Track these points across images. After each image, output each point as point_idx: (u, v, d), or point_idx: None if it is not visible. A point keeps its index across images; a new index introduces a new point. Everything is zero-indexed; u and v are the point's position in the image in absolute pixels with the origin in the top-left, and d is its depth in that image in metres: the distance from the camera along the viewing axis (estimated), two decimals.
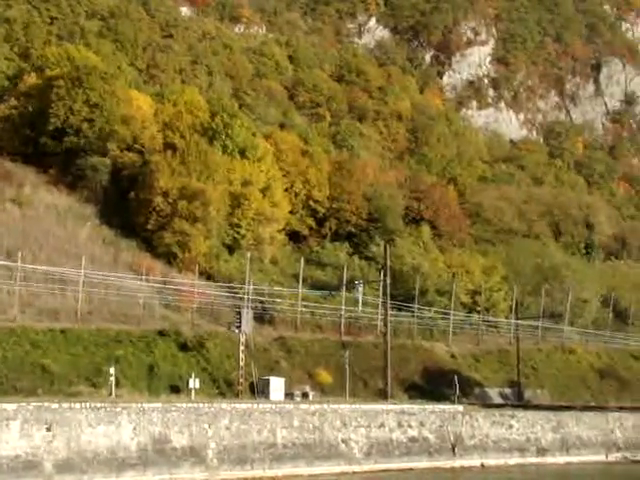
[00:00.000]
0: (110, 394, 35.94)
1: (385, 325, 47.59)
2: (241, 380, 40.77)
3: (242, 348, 40.98)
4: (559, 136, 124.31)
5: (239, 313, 41.79)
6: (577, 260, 78.42)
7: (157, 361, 40.77)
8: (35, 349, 37.70)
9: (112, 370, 36.52)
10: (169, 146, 55.46)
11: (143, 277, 46.24)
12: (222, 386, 41.79)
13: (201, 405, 34.65)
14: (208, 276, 51.37)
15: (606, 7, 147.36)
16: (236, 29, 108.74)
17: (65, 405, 31.04)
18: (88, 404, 31.63)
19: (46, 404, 30.77)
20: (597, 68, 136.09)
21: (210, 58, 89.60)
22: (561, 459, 45.49)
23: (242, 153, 57.73)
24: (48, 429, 29.95)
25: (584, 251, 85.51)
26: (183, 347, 42.54)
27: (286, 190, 61.02)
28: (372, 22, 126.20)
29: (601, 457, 47.33)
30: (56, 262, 43.59)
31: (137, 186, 54.32)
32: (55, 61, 59.95)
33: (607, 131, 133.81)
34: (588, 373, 62.69)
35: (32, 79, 60.07)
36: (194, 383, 38.66)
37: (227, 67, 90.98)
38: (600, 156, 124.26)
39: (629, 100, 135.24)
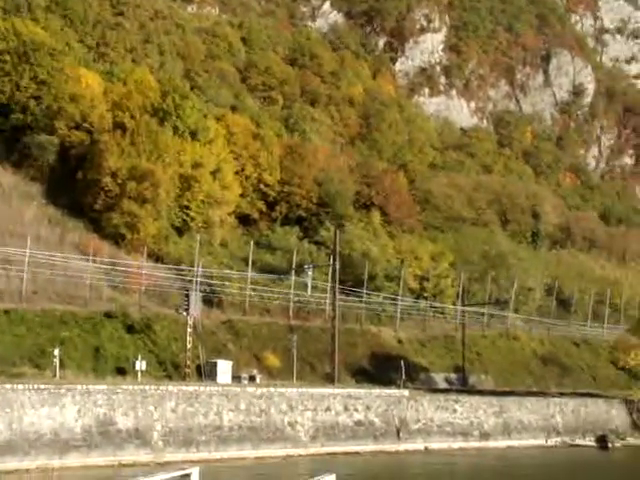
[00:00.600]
0: (54, 376, 35.53)
1: (333, 310, 47.84)
2: (188, 363, 40.64)
3: (190, 331, 40.83)
4: (508, 125, 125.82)
5: (187, 296, 41.62)
6: (523, 248, 79.78)
7: (103, 343, 40.42)
8: None
9: (57, 352, 36.09)
10: (118, 126, 54.71)
11: (90, 258, 45.69)
12: (169, 369, 41.61)
13: (147, 387, 34.50)
14: (157, 258, 51.00)
15: None
16: (189, 9, 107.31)
17: (8, 386, 30.64)
18: (31, 385, 31.26)
19: None
20: (547, 59, 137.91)
21: (162, 38, 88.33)
22: (503, 443, 46.42)
23: (193, 135, 57.25)
24: None
25: (530, 240, 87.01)
26: (130, 329, 42.23)
27: (237, 173, 60.75)
28: (326, 6, 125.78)
29: (541, 441, 48.45)
30: (0, 241, 42.79)
31: (85, 166, 53.54)
32: (1, 35, 58.43)
33: (555, 122, 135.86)
34: (531, 359, 63.93)
35: None
36: (141, 365, 38.44)
37: (179, 47, 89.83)
38: (548, 146, 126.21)
39: (577, 92, 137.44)
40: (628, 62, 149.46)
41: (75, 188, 53.07)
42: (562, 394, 54.64)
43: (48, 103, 55.79)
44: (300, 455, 37.50)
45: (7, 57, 55.84)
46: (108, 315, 42.12)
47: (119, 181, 51.40)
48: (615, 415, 54.41)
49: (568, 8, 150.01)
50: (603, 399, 55.39)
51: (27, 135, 55.40)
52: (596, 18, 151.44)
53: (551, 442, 48.83)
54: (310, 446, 38.30)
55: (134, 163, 51.79)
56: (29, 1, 75.01)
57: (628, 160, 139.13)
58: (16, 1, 74.03)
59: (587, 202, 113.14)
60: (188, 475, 20.68)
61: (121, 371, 39.32)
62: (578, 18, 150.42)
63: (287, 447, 37.52)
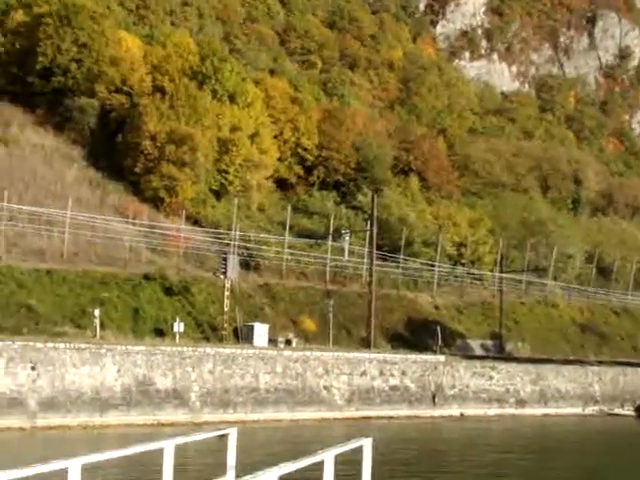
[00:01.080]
0: (95, 336, 36.15)
1: (370, 275, 47.86)
2: (225, 325, 41.06)
3: (227, 294, 41.19)
4: (551, 90, 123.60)
5: (225, 259, 41.94)
6: (563, 215, 78.78)
7: (142, 304, 40.96)
8: (20, 289, 37.77)
9: (97, 312, 36.67)
10: (158, 89, 54.84)
11: (130, 220, 46.14)
12: (206, 331, 42.09)
13: (185, 349, 34.96)
14: (195, 221, 51.34)
15: None
16: None
17: (50, 345, 31.26)
18: (72, 345, 31.87)
19: (31, 343, 31.00)
20: (592, 21, 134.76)
21: (201, 1, 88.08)
22: (539, 411, 46.31)
23: (231, 98, 57.21)
24: (33, 368, 30.19)
25: (571, 206, 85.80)
26: (168, 291, 42.70)
27: (275, 137, 60.66)
28: None
29: (578, 410, 48.22)
30: (42, 203, 43.41)
31: (125, 129, 53.86)
32: None
33: (599, 86, 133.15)
34: (569, 327, 63.45)
35: (20, 16, 58.90)
36: (179, 327, 38.91)
37: (218, 10, 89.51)
38: (591, 111, 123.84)
39: (623, 55, 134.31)
40: None
41: (115, 151, 53.48)
42: (601, 363, 54.21)
43: (89, 66, 56.10)
44: (335, 418, 37.81)
45: (49, 20, 56.13)
46: (147, 277, 42.62)
47: (158, 144, 51.64)
48: None
49: None
50: None
51: (68, 98, 55.83)
52: None
53: (588, 411, 48.59)
54: (345, 410, 38.60)
55: (173, 126, 51.96)
56: None
57: None
58: None
59: (631, 168, 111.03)
60: (226, 435, 20.94)
61: (159, 332, 39.87)
62: None
63: (322, 410, 37.85)
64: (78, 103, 55.41)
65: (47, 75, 56.02)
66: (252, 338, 41.78)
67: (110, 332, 37.56)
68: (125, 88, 56.49)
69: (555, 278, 66.69)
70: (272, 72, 75.56)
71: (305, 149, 63.61)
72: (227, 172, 55.33)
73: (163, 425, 32.30)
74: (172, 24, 78.13)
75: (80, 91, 56.01)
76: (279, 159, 60.53)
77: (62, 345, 31.58)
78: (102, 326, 37.02)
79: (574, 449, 33.64)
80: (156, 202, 51.26)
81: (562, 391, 48.41)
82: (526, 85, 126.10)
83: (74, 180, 50.19)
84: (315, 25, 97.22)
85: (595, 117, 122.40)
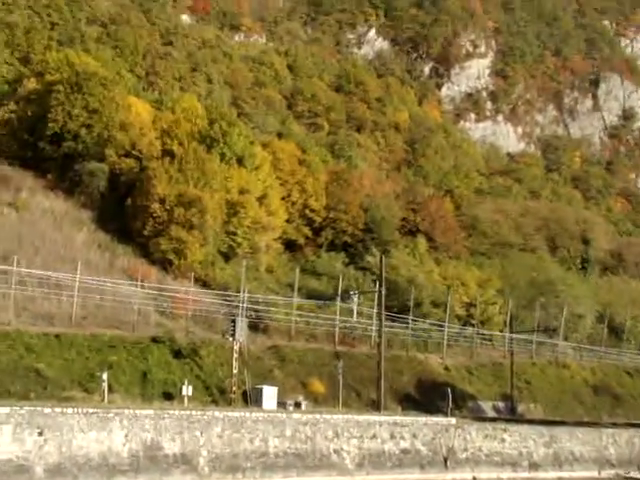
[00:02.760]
0: (102, 400, 35.85)
1: (379, 336, 47.53)
2: (234, 388, 40.70)
3: (236, 356, 40.92)
4: (557, 150, 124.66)
5: (234, 321, 41.77)
6: (573, 275, 78.49)
7: (151, 367, 40.69)
8: (29, 353, 37.60)
9: (105, 376, 36.43)
10: (167, 153, 55.50)
11: (138, 283, 46.18)
12: (215, 394, 41.70)
13: (194, 412, 34.57)
14: (203, 283, 51.34)
15: (605, 22, 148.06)
16: (236, 37, 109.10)
17: (57, 410, 30.94)
18: (80, 409, 31.54)
19: (39, 408, 30.68)
20: (596, 83, 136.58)
21: (210, 66, 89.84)
22: (553, 474, 45.38)
23: (240, 161, 57.80)
24: (40, 433, 29.84)
25: (580, 266, 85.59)
26: (177, 354, 42.46)
27: (283, 199, 61.08)
28: (372, 33, 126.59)
29: (594, 473, 47.22)
30: (52, 267, 43.52)
31: (134, 192, 54.33)
32: (55, 66, 59.97)
33: (604, 146, 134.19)
34: (582, 388, 62.65)
35: (32, 84, 60.11)
36: (187, 390, 38.58)
37: (226, 75, 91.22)
38: (597, 171, 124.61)
39: (627, 116, 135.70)
40: None
41: (124, 214, 53.86)
42: (615, 424, 53.33)
43: (99, 131, 56.94)
44: None
45: (60, 87, 57.20)
46: (155, 340, 42.43)
47: (167, 207, 52.01)
48: None
49: (617, 32, 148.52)
50: None
51: (78, 163, 56.53)
52: None
53: (604, 474, 47.56)
54: (356, 474, 37.92)
55: (182, 189, 52.41)
56: (82, 33, 77.09)
57: None
58: (69, 33, 76.17)
59: (639, 227, 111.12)
60: None
61: (168, 396, 39.53)
62: (628, 42, 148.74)
63: (333, 475, 37.18)
64: (88, 168, 56.06)
65: (58, 140, 56.86)
66: (261, 401, 41.38)
67: (118, 396, 37.26)
68: (134, 152, 57.19)
69: (566, 338, 66.13)
70: (280, 135, 76.54)
71: (313, 210, 63.96)
72: (235, 234, 55.56)
73: None
74: (181, 89, 79.61)
75: (90, 156, 56.73)
76: (287, 221, 60.83)
77: (70, 410, 31.25)
78: (110, 390, 36.74)
79: None
80: (165, 264, 51.39)
81: (576, 454, 47.49)
82: (532, 146, 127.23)
83: (83, 244, 50.45)
84: (322, 89, 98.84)
85: (601, 177, 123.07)
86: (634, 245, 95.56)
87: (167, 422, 33.12)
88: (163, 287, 46.98)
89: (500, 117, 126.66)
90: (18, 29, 70.76)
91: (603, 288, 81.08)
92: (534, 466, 44.97)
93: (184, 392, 38.49)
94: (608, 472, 47.83)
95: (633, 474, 48.26)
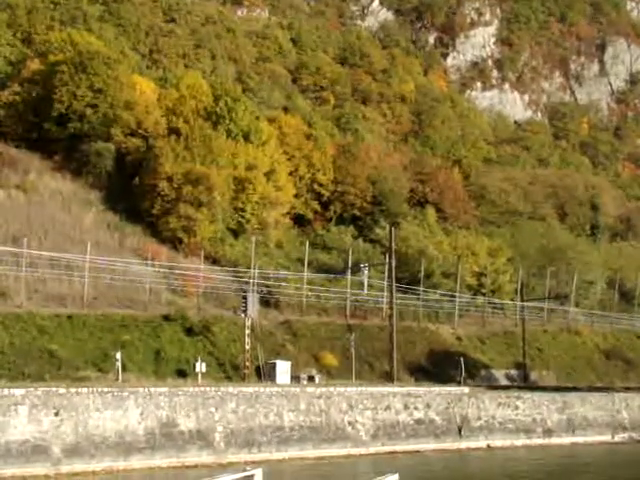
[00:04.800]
0: (117, 379, 36.11)
1: (391, 308, 47.64)
2: (247, 364, 40.91)
3: (248, 332, 41.09)
4: (564, 117, 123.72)
5: (245, 297, 41.88)
6: (582, 241, 78.31)
7: (163, 346, 40.93)
8: (42, 335, 37.87)
9: (118, 355, 36.67)
10: (173, 131, 55.39)
11: (149, 262, 46.32)
12: (228, 370, 41.93)
13: (208, 389, 34.79)
14: (213, 260, 51.44)
15: None
16: (239, 12, 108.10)
17: (72, 390, 31.21)
18: (95, 389, 31.80)
19: (54, 389, 30.96)
20: (602, 48, 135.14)
21: (213, 42, 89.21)
22: (567, 440, 45.58)
23: (246, 137, 57.63)
24: (56, 414, 30.10)
25: (589, 232, 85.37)
26: (189, 331, 42.67)
27: (290, 174, 60.95)
28: (375, 4, 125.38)
29: (607, 437, 47.42)
30: (61, 248, 43.68)
31: (141, 171, 54.34)
32: (58, 46, 59.79)
33: (612, 111, 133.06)
34: (594, 354, 62.74)
35: (35, 65, 59.93)
36: (200, 367, 38.80)
37: (230, 51, 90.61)
38: (605, 137, 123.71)
39: (634, 80, 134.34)
40: None
41: (132, 193, 53.89)
42: (627, 389, 53.44)
43: (104, 111, 56.80)
44: (361, 454, 37.38)
45: (64, 67, 57.01)
46: (167, 318, 42.63)
47: (175, 185, 52.00)
48: None
49: None
50: None
51: (85, 143, 56.50)
52: None
53: (618, 438, 47.77)
54: (371, 445, 38.17)
55: (189, 167, 52.36)
56: (84, 12, 76.56)
57: None
58: (71, 13, 75.61)
59: None
60: (252, 476, 20.74)
61: (181, 373, 39.77)
62: (634, 5, 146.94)
63: (348, 447, 37.44)
64: (94, 148, 56.02)
65: (63, 121, 56.77)
66: (274, 376, 41.59)
67: (132, 375, 37.51)
68: (140, 131, 57.10)
69: (577, 305, 66.14)
70: (285, 110, 76.19)
71: (321, 185, 63.83)
72: (244, 210, 55.55)
73: (187, 467, 32.05)
74: (185, 66, 79.13)
75: (96, 136, 56.66)
76: (295, 195, 60.75)
77: (85, 390, 31.50)
78: (124, 369, 36.99)
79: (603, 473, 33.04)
80: (174, 243, 51.48)
81: (590, 419, 47.65)
82: (539, 113, 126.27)
83: (92, 224, 50.55)
84: (326, 62, 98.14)
85: (609, 142, 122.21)
86: None
87: (182, 399, 33.35)
88: (173, 265, 47.13)
89: (506, 85, 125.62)
90: (19, 9, 70.32)
91: (613, 254, 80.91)
92: (548, 432, 45.17)
93: (197, 369, 38.71)
94: (622, 436, 48.02)
95: None
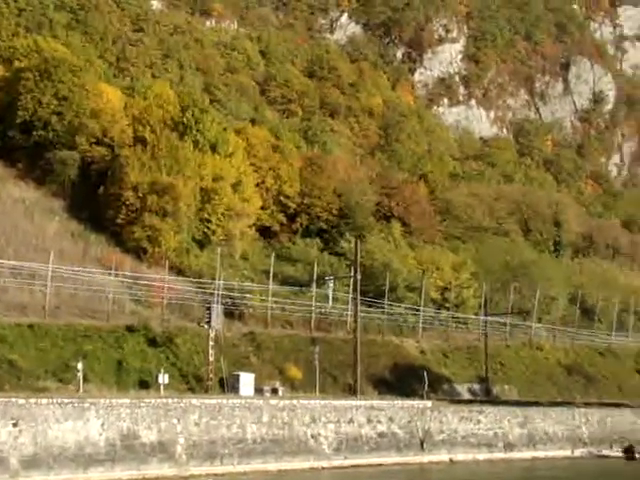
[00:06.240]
0: (78, 390, 35.65)
1: (355, 321, 47.69)
2: (210, 375, 40.66)
3: (212, 343, 40.86)
4: (529, 134, 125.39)
5: (209, 308, 41.66)
6: (546, 257, 79.19)
7: (126, 356, 40.52)
8: (2, 344, 37.26)
9: (80, 365, 36.23)
10: (139, 140, 55.07)
11: (112, 272, 45.91)
12: (191, 381, 41.65)
13: (170, 400, 34.51)
14: (178, 271, 51.13)
15: (575, 6, 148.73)
16: (207, 23, 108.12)
17: (32, 401, 30.74)
18: (55, 400, 31.35)
19: (13, 399, 30.45)
20: (566, 67, 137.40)
21: (181, 52, 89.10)
22: (528, 454, 45.93)
23: (213, 148, 57.49)
24: (15, 424, 29.64)
25: (553, 248, 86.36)
26: (152, 342, 42.31)
27: (257, 185, 60.89)
28: (344, 18, 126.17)
29: (567, 452, 47.89)
30: (24, 256, 43.12)
31: (106, 180, 53.93)
32: (24, 52, 59.17)
33: (575, 130, 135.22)
34: (555, 369, 63.35)
35: (0, 71, 59.27)
36: (163, 378, 38.49)
37: (198, 61, 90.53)
38: (568, 154, 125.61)
39: (597, 99, 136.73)
40: None
41: (97, 203, 53.44)
42: (587, 404, 54.03)
43: (69, 119, 56.30)
44: (323, 468, 37.31)
45: (29, 74, 56.43)
46: (130, 329, 42.24)
47: (140, 195, 51.68)
48: None
49: (587, 16, 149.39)
50: (630, 409, 54.71)
51: (49, 151, 55.91)
52: (615, 25, 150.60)
53: (577, 453, 48.26)
54: (333, 458, 38.11)
55: (155, 177, 52.07)
56: (50, 19, 76.02)
57: None
58: (37, 19, 75.09)
59: (610, 210, 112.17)
60: None
61: (144, 384, 39.40)
62: (597, 26, 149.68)
63: (310, 460, 37.34)
64: (59, 156, 55.47)
65: (27, 129, 56.16)
66: (238, 388, 41.38)
67: (94, 385, 37.07)
68: (106, 140, 56.68)
69: (539, 320, 66.78)
70: (253, 121, 76.17)
71: (287, 197, 63.83)
72: (210, 221, 55.35)
73: None
74: (152, 76, 78.89)
75: (61, 144, 56.11)
76: (262, 207, 60.69)
77: (45, 400, 31.05)
78: (85, 380, 36.53)
79: None
80: (139, 253, 51.09)
81: (550, 433, 48.10)
82: (504, 130, 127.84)
83: (56, 233, 49.98)
84: (295, 74, 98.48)
85: (572, 160, 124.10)
86: (605, 227, 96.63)
87: (143, 411, 33.03)
88: (137, 275, 46.73)
89: (473, 101, 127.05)
90: None
91: (575, 270, 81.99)
92: (509, 446, 45.49)
93: (160, 380, 38.38)
94: (581, 450, 48.54)
95: (605, 452, 48.97)
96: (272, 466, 35.79)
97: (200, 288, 48.74)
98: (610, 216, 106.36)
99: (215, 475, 30.63)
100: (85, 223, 52.56)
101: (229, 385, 41.58)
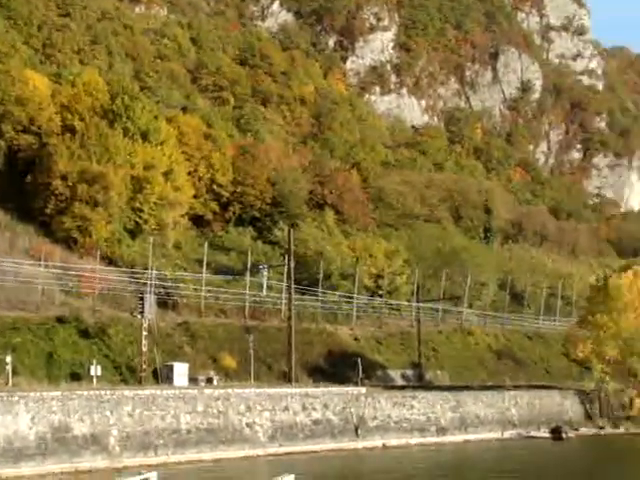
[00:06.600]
0: (7, 383, 34.92)
1: (289, 309, 47.84)
2: (144, 366, 40.31)
3: (145, 334, 40.50)
4: (459, 122, 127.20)
5: (142, 299, 41.25)
6: (476, 244, 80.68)
7: (57, 348, 39.85)
8: None
9: (9, 358, 35.49)
10: (68, 129, 53.97)
11: (41, 263, 45.00)
12: (125, 373, 41.20)
13: (103, 392, 34.13)
14: (110, 261, 50.42)
15: None
16: (137, 9, 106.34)
17: None
18: None
19: None
20: (495, 56, 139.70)
21: (110, 39, 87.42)
22: (460, 437, 46.89)
23: (144, 136, 56.68)
24: None
25: (483, 235, 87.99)
26: (84, 334, 41.70)
27: (189, 174, 60.34)
28: (275, 5, 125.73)
29: (497, 434, 49.04)
30: None
31: (34, 169, 52.74)
32: None
33: (504, 118, 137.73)
34: (486, 354, 64.68)
35: None
36: (95, 370, 38.00)
37: (127, 48, 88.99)
38: (498, 142, 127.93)
39: (525, 88, 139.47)
40: (574, 59, 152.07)
41: (24, 192, 52.23)
42: (517, 387, 55.39)
43: None
44: (259, 456, 37.45)
45: None
46: (61, 320, 41.53)
47: (69, 184, 50.70)
48: (569, 406, 55.42)
49: (515, 6, 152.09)
50: (557, 391, 56.35)
51: None
52: (542, 16, 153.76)
53: (507, 435, 49.48)
54: (269, 446, 38.27)
55: (84, 166, 51.13)
56: None
57: (576, 155, 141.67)
58: None
59: (537, 197, 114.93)
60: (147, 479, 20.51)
61: (76, 377, 38.80)
62: (524, 16, 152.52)
63: (245, 448, 37.43)
64: None
65: None
66: (172, 378, 41.11)
67: (23, 379, 36.35)
68: (33, 128, 55.37)
69: (470, 306, 68.03)
70: (184, 109, 75.38)
71: (220, 185, 63.44)
72: (142, 210, 54.64)
73: (81, 472, 31.36)
74: (81, 62, 77.27)
75: None
76: (194, 196, 60.19)
77: None
78: (15, 373, 35.81)
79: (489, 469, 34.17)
80: (69, 243, 50.19)
81: (481, 417, 49.18)
82: (435, 118, 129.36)
83: None
84: (226, 62, 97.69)
85: (501, 148, 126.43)
86: (533, 214, 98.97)
87: (75, 403, 32.59)
88: (68, 266, 45.90)
89: (404, 90, 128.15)
90: None
91: (504, 256, 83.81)
92: (441, 430, 46.35)
93: (92, 372, 37.88)
94: (510, 432, 49.79)
95: (534, 433, 50.33)
96: (207, 455, 35.76)
97: (133, 278, 48.19)
98: (538, 203, 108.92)
99: (149, 466, 30.41)
100: (12, 213, 51.32)
101: (163, 375, 41.29)
